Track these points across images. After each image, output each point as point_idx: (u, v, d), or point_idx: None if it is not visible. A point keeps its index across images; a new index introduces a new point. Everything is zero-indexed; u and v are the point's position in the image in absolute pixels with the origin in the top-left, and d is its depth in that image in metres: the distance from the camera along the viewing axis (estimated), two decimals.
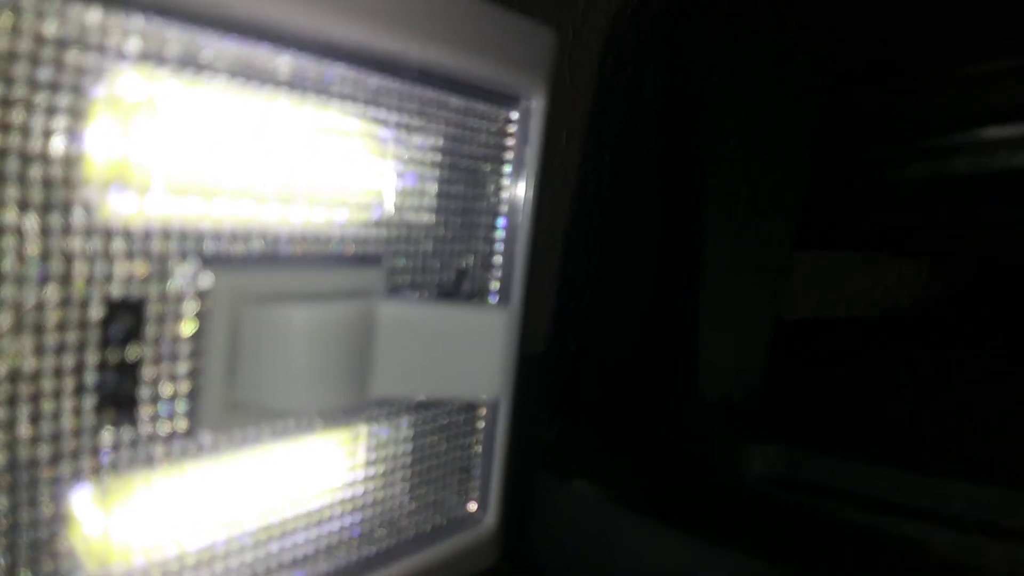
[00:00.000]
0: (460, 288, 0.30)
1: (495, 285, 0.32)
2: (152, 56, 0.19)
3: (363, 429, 0.28)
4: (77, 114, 0.18)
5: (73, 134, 0.18)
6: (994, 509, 0.34)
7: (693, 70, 0.39)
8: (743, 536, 0.35)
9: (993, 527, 0.33)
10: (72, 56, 0.18)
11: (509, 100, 0.31)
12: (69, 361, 0.19)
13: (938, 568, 0.33)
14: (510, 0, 0.34)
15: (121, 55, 0.19)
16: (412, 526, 0.30)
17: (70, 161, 0.18)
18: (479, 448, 0.33)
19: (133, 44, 0.19)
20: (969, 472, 0.35)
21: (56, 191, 0.18)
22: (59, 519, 0.19)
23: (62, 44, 0.18)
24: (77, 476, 0.20)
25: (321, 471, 0.27)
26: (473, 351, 0.27)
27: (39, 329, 0.18)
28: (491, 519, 0.33)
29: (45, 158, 0.18)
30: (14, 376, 0.18)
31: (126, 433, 0.20)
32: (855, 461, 0.36)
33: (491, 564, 0.33)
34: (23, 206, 0.18)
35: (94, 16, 0.18)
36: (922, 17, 0.38)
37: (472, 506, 0.33)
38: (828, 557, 0.34)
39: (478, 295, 0.31)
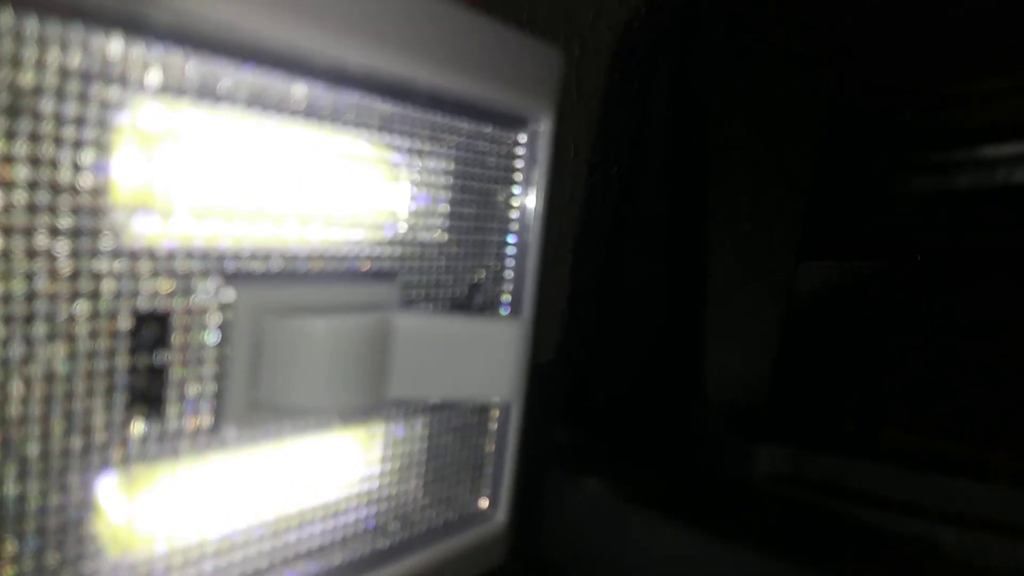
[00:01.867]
0: (472, 301, 0.32)
1: (506, 298, 0.33)
2: (172, 87, 0.21)
3: (380, 428, 0.29)
4: (103, 146, 0.20)
5: (99, 165, 0.20)
6: (998, 507, 0.34)
7: (700, 82, 0.39)
8: (749, 533, 0.35)
9: (998, 525, 0.34)
10: (96, 90, 0.19)
11: (517, 123, 0.31)
12: (100, 365, 0.20)
13: (942, 566, 0.33)
14: (518, 14, 0.35)
15: (142, 86, 0.20)
16: (425, 521, 0.31)
17: (97, 191, 0.20)
18: (491, 448, 0.34)
19: (154, 75, 0.20)
20: (973, 471, 0.35)
21: (84, 218, 0.20)
22: (86, 506, 0.21)
23: (86, 77, 0.19)
24: (105, 465, 0.21)
25: (338, 466, 0.28)
26: (485, 358, 0.28)
27: (71, 338, 0.20)
28: (502, 516, 0.34)
29: (74, 189, 0.19)
30: (49, 377, 0.20)
31: (153, 427, 0.22)
32: (859, 460, 0.37)
33: (501, 560, 0.34)
34: (54, 232, 0.19)
35: (116, 47, 0.20)
36: (929, 31, 0.38)
37: (483, 503, 0.34)
38: (833, 554, 0.35)
39: (490, 307, 0.33)
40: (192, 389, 0.23)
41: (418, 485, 0.31)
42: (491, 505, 0.34)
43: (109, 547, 0.22)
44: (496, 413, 0.34)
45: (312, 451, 0.27)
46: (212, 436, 0.24)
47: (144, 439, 0.22)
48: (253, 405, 0.24)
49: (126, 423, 0.21)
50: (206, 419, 0.23)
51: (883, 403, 0.42)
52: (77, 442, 0.20)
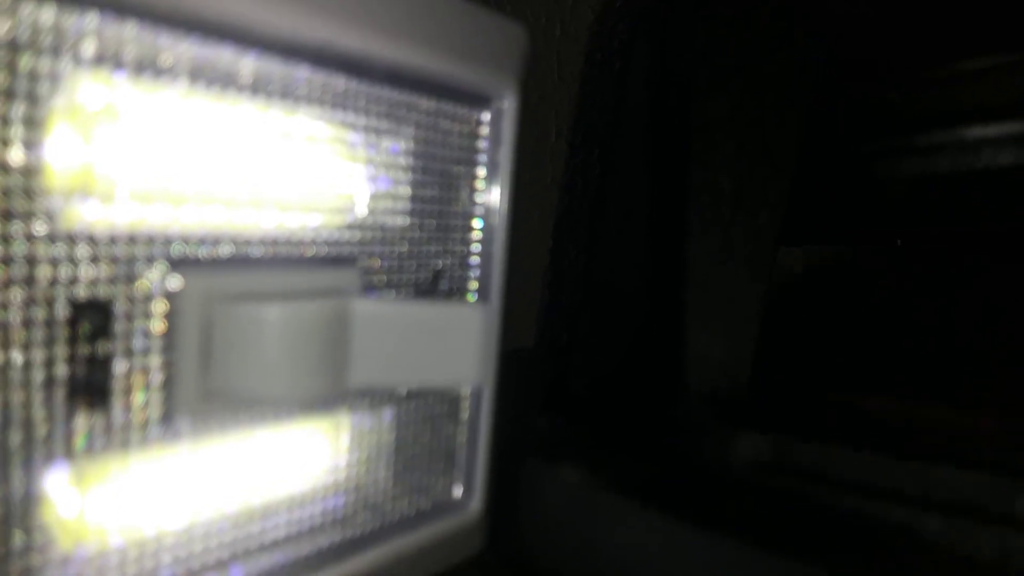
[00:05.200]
0: (437, 288, 0.31)
1: (473, 284, 0.32)
2: (109, 59, 0.20)
3: (345, 418, 0.29)
4: (34, 123, 0.19)
5: (31, 144, 0.19)
6: (981, 495, 0.34)
7: (681, 63, 0.39)
8: (729, 523, 0.35)
9: (980, 512, 0.33)
10: (25, 60, 0.18)
11: (480, 101, 0.30)
12: (37, 356, 0.20)
13: (926, 554, 0.33)
14: None
15: (77, 58, 0.19)
16: (396, 510, 0.31)
17: (29, 171, 0.19)
18: (463, 437, 0.33)
19: (88, 46, 0.19)
20: (956, 458, 0.35)
21: (16, 200, 0.19)
22: (32, 498, 0.20)
23: (14, 47, 0.18)
24: (50, 458, 0.20)
25: (303, 458, 0.28)
26: (450, 344, 0.27)
27: (3, 327, 0.19)
28: (476, 505, 0.34)
29: (3, 168, 0.18)
30: None
31: (98, 419, 0.21)
32: (841, 448, 0.36)
33: (477, 550, 0.34)
34: None
35: (47, 16, 0.19)
36: (912, 11, 0.37)
37: (457, 491, 0.33)
38: (815, 543, 0.34)
39: (456, 294, 0.32)
40: (138, 380, 0.22)
41: (388, 475, 0.31)
42: (465, 493, 0.34)
43: (60, 539, 0.21)
44: (467, 401, 0.33)
45: (275, 442, 0.27)
46: (164, 427, 0.23)
47: (90, 431, 0.21)
48: (206, 394, 0.23)
49: (69, 416, 0.21)
50: (156, 410, 0.23)
51: (865, 389, 0.42)
52: (17, 436, 0.20)
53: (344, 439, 0.29)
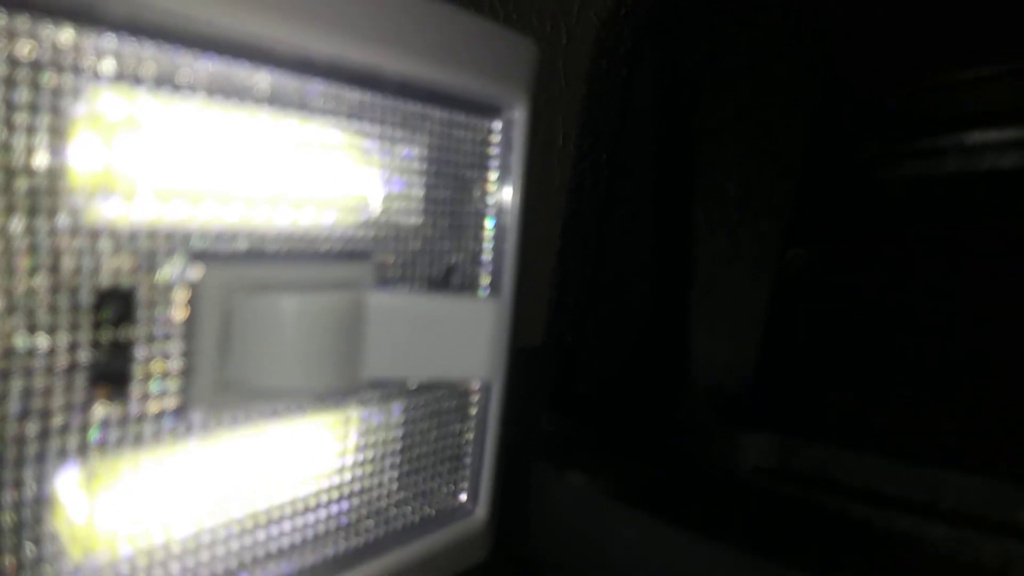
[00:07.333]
0: (449, 283, 0.31)
1: (485, 280, 0.32)
2: (129, 75, 0.20)
3: (354, 413, 0.29)
4: (57, 132, 0.19)
5: (55, 150, 0.19)
6: (987, 502, 0.34)
7: (686, 68, 0.39)
8: (735, 527, 0.35)
9: (985, 520, 0.33)
10: (48, 78, 0.19)
11: (491, 111, 0.31)
12: (62, 340, 0.20)
13: (930, 561, 0.33)
14: (504, 1, 0.34)
15: (96, 75, 0.20)
16: (401, 517, 0.31)
17: (53, 174, 0.19)
18: (471, 436, 0.33)
19: (108, 64, 0.20)
20: (962, 464, 0.35)
21: (41, 199, 0.19)
22: (44, 502, 0.20)
23: (36, 66, 0.19)
24: (64, 455, 0.20)
25: (311, 455, 0.28)
26: (462, 337, 0.28)
27: (30, 312, 0.19)
28: (482, 511, 0.33)
29: (29, 171, 0.19)
30: (7, 353, 0.19)
31: (117, 409, 0.21)
32: (847, 453, 0.36)
33: (482, 558, 0.33)
34: (10, 211, 0.19)
35: (66, 36, 0.19)
36: (917, 16, 0.37)
37: (463, 497, 0.33)
38: (820, 549, 0.34)
39: (468, 290, 0.32)
40: (158, 366, 0.22)
41: (393, 477, 0.31)
42: (470, 500, 0.34)
43: (70, 548, 0.21)
44: (476, 398, 0.33)
45: (284, 439, 0.27)
46: (179, 419, 0.23)
47: (107, 423, 0.21)
48: (223, 385, 0.23)
49: (88, 404, 0.21)
50: (172, 400, 0.23)
51: (871, 391, 0.42)
52: (34, 427, 0.20)
53: (352, 436, 0.29)
